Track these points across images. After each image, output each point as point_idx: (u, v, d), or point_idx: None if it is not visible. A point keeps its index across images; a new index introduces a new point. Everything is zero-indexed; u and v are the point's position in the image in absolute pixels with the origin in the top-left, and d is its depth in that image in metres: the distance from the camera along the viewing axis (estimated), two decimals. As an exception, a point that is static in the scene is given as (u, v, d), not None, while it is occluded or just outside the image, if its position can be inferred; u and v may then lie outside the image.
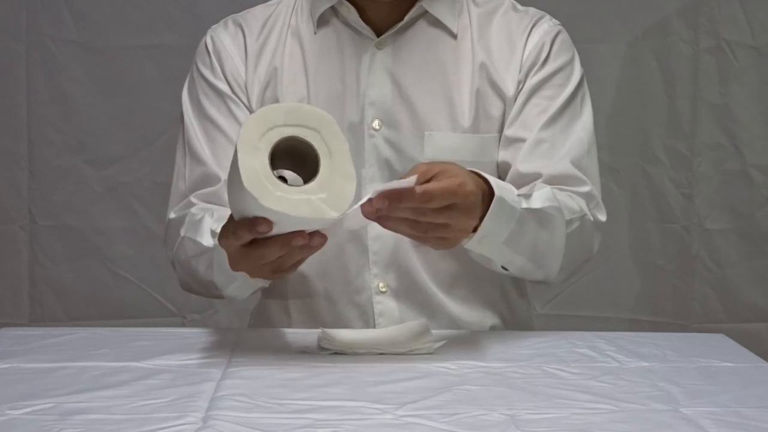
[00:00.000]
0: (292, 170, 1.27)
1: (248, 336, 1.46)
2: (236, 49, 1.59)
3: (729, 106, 2.69)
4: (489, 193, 1.33)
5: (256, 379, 1.21)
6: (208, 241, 1.40)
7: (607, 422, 1.08)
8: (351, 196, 1.23)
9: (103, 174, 2.70)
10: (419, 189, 1.23)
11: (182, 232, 1.46)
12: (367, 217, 1.24)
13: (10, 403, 1.11)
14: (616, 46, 2.69)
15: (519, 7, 1.62)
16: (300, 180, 1.25)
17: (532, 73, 1.56)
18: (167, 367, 1.27)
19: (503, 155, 1.55)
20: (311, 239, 1.25)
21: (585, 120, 1.58)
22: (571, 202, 1.47)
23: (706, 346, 1.42)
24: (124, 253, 2.72)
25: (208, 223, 1.42)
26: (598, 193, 1.55)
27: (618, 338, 1.44)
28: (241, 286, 1.41)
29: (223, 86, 1.58)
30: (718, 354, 1.37)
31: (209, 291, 1.47)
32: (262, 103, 1.57)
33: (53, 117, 2.69)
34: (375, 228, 1.54)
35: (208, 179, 1.54)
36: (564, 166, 1.52)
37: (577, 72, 1.59)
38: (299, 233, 1.24)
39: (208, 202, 1.52)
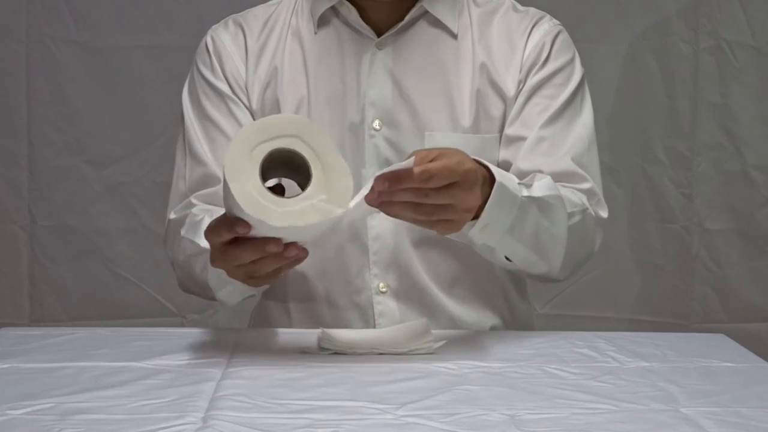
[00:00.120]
0: (288, 177, 1.28)
1: (248, 336, 1.46)
2: (236, 50, 1.59)
3: (729, 106, 2.69)
4: (489, 180, 1.33)
5: (256, 379, 1.21)
6: (205, 242, 1.39)
7: (607, 422, 1.08)
8: (350, 188, 1.24)
9: (103, 174, 2.70)
10: (418, 168, 1.22)
11: (182, 233, 1.46)
12: (370, 205, 1.24)
13: (10, 403, 1.11)
14: (616, 46, 2.70)
15: (519, 7, 1.62)
16: (296, 187, 1.25)
17: (533, 72, 1.56)
18: (167, 367, 1.27)
19: (504, 154, 1.55)
20: (286, 249, 1.24)
21: (585, 119, 1.58)
22: (573, 196, 1.48)
23: (706, 346, 1.42)
24: (124, 253, 2.72)
25: (206, 225, 1.41)
26: (599, 190, 1.55)
27: (618, 338, 1.44)
28: (233, 291, 1.41)
29: (224, 86, 1.58)
30: (718, 354, 1.37)
31: (205, 292, 1.47)
32: (262, 102, 1.57)
33: (53, 117, 2.69)
34: (375, 228, 1.55)
35: (208, 180, 1.54)
36: (565, 164, 1.52)
37: (577, 72, 1.59)
38: (274, 240, 1.23)
39: (208, 203, 1.52)
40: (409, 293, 1.57)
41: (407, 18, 1.56)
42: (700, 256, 2.72)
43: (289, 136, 1.23)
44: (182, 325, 2.62)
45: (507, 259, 1.43)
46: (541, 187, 1.41)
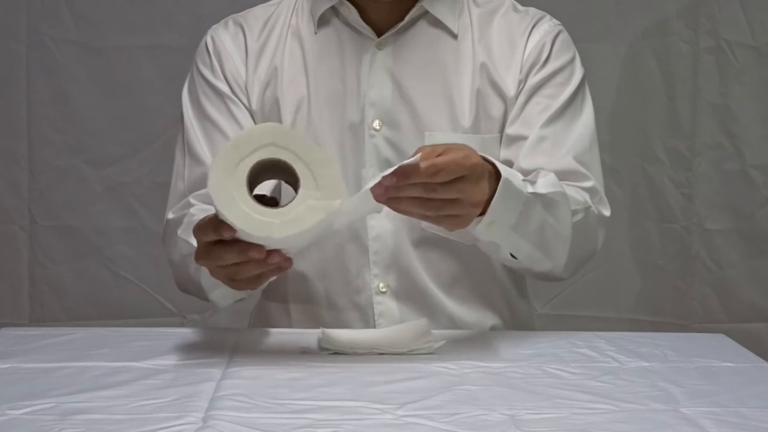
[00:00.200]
0: (280, 179, 1.28)
1: (248, 336, 1.46)
2: (236, 49, 1.59)
3: (729, 106, 2.69)
4: (495, 176, 1.33)
5: (256, 379, 1.21)
6: None
7: (607, 422, 1.08)
8: (338, 175, 1.23)
9: (103, 174, 2.70)
10: (426, 163, 1.22)
11: (178, 232, 1.46)
12: (378, 200, 1.24)
13: (10, 403, 1.11)
14: (616, 46, 2.69)
15: (519, 7, 1.62)
16: (291, 190, 1.25)
17: (533, 72, 1.56)
18: (167, 367, 1.27)
19: (505, 154, 1.55)
20: (269, 256, 1.24)
21: (586, 118, 1.58)
22: (576, 194, 1.47)
23: (706, 346, 1.42)
24: (124, 253, 2.72)
25: None
26: (601, 189, 1.55)
27: (618, 338, 1.44)
28: (224, 293, 1.40)
29: (223, 86, 1.58)
30: (718, 354, 1.37)
31: (200, 293, 1.47)
32: (262, 102, 1.57)
33: (53, 117, 2.69)
34: (375, 228, 1.55)
35: (204, 178, 1.54)
36: (567, 162, 1.52)
37: (578, 71, 1.59)
38: (257, 246, 1.23)
39: (206, 203, 1.52)
40: (409, 293, 1.57)
41: (407, 18, 1.56)
42: (700, 256, 2.72)
43: (265, 146, 1.23)
44: (182, 325, 2.62)
45: (512, 256, 1.43)
46: (545, 184, 1.41)
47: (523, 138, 1.53)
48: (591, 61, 1.66)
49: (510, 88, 1.56)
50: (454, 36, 1.57)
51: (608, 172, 1.57)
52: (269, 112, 1.57)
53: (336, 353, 1.33)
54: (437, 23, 1.57)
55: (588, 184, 1.52)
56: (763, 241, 2.71)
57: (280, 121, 1.56)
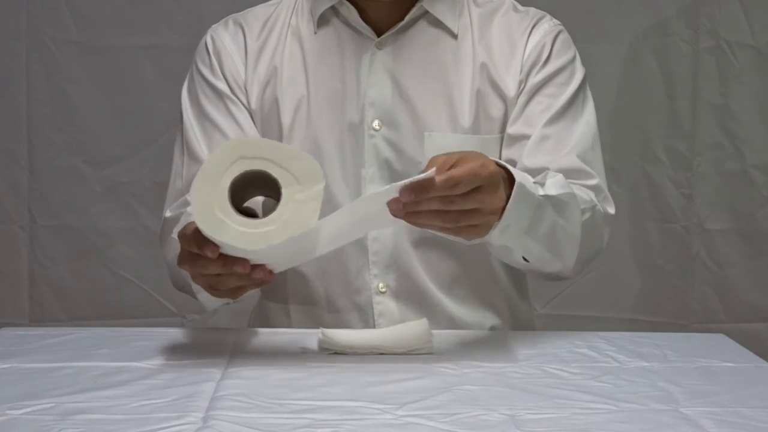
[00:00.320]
0: (262, 194, 1.28)
1: (248, 336, 1.46)
2: (236, 49, 1.59)
3: (729, 106, 2.69)
4: (507, 180, 1.32)
5: (256, 379, 1.21)
6: None
7: (607, 422, 1.08)
8: (312, 162, 1.23)
9: (103, 174, 2.70)
10: (444, 176, 1.21)
11: (173, 232, 1.45)
12: (395, 215, 1.23)
13: (10, 403, 1.11)
14: (616, 46, 2.70)
15: (519, 7, 1.61)
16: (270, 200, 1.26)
17: (534, 72, 1.56)
18: (167, 367, 1.27)
19: (507, 153, 1.55)
20: (253, 271, 1.24)
21: (588, 117, 1.58)
22: (582, 193, 1.47)
23: (706, 346, 1.42)
24: (124, 253, 2.72)
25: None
26: (605, 187, 1.54)
27: (618, 338, 1.44)
28: (209, 296, 1.40)
29: (222, 86, 1.57)
30: (718, 354, 1.37)
31: (191, 292, 1.47)
32: (261, 102, 1.57)
33: (53, 117, 2.69)
34: (375, 228, 1.55)
35: None
36: (570, 160, 1.52)
37: (579, 70, 1.59)
38: (241, 261, 1.23)
39: None
40: (409, 293, 1.57)
41: (407, 18, 1.55)
42: (700, 256, 2.72)
43: (234, 162, 1.22)
44: (182, 325, 2.62)
45: (524, 259, 1.43)
46: (555, 185, 1.40)
47: (526, 137, 1.53)
48: (591, 61, 1.66)
49: (510, 88, 1.56)
50: (454, 36, 1.57)
51: (608, 172, 1.57)
52: (269, 111, 1.57)
53: (336, 353, 1.33)
54: (437, 23, 1.57)
55: (592, 182, 1.52)
56: (763, 241, 2.71)
57: (279, 120, 1.56)
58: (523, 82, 1.56)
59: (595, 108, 1.60)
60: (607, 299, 2.74)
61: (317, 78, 1.56)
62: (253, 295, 1.49)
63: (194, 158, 1.56)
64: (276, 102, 1.56)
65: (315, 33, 1.58)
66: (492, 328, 1.59)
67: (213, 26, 1.62)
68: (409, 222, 1.24)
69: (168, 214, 1.54)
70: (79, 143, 2.69)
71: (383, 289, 1.56)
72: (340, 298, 1.56)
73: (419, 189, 1.20)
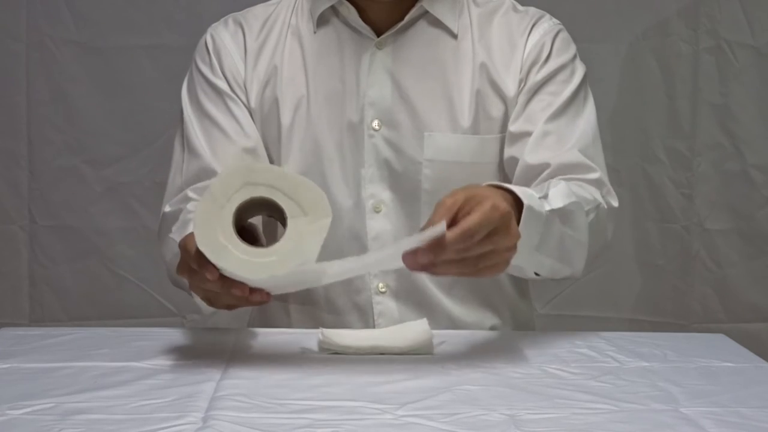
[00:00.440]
0: (265, 214, 1.28)
1: (248, 336, 1.46)
2: (236, 48, 1.59)
3: (729, 106, 2.69)
4: (514, 202, 1.30)
5: (256, 379, 1.21)
6: None
7: (607, 422, 1.08)
8: (321, 194, 1.22)
9: (103, 174, 2.70)
10: (457, 230, 1.19)
11: (172, 231, 1.45)
12: (412, 269, 1.22)
13: (10, 403, 1.11)
14: (616, 46, 2.70)
15: (519, 7, 1.61)
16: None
17: (534, 71, 1.56)
18: (167, 367, 1.27)
19: (510, 151, 1.55)
20: (252, 295, 1.24)
21: (588, 113, 1.57)
22: (585, 193, 1.46)
23: (706, 346, 1.42)
24: (124, 253, 2.72)
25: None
26: (607, 180, 1.54)
27: (618, 338, 1.43)
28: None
29: (222, 84, 1.57)
30: (718, 354, 1.37)
31: (189, 293, 1.47)
32: (261, 101, 1.57)
33: (53, 117, 2.69)
34: (374, 228, 1.55)
35: (204, 173, 1.54)
36: (572, 155, 1.51)
37: (579, 68, 1.59)
38: (240, 284, 1.23)
39: None
40: (409, 293, 1.57)
41: (407, 18, 1.55)
42: (700, 256, 2.72)
43: (240, 188, 1.22)
44: (182, 325, 2.62)
45: (535, 273, 1.42)
46: (559, 196, 1.38)
47: (528, 134, 1.53)
48: (591, 61, 1.66)
49: (510, 88, 1.56)
50: (454, 36, 1.57)
51: (609, 172, 1.57)
52: (268, 110, 1.57)
53: (336, 353, 1.33)
54: (437, 23, 1.57)
55: (594, 175, 1.51)
56: (763, 241, 2.71)
57: (279, 120, 1.56)
58: (523, 81, 1.56)
59: (595, 107, 1.60)
60: (607, 299, 2.74)
61: (317, 78, 1.56)
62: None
63: (194, 153, 1.56)
64: (276, 101, 1.56)
65: (314, 33, 1.58)
66: (492, 328, 1.59)
67: (213, 25, 1.63)
68: (427, 273, 1.24)
69: (167, 209, 1.54)
70: (79, 143, 2.69)
71: (383, 289, 1.56)
72: (340, 298, 1.56)
73: (438, 248, 1.19)
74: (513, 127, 1.55)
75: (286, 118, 1.56)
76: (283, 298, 1.59)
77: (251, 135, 1.56)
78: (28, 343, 1.37)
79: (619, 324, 2.70)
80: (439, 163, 1.54)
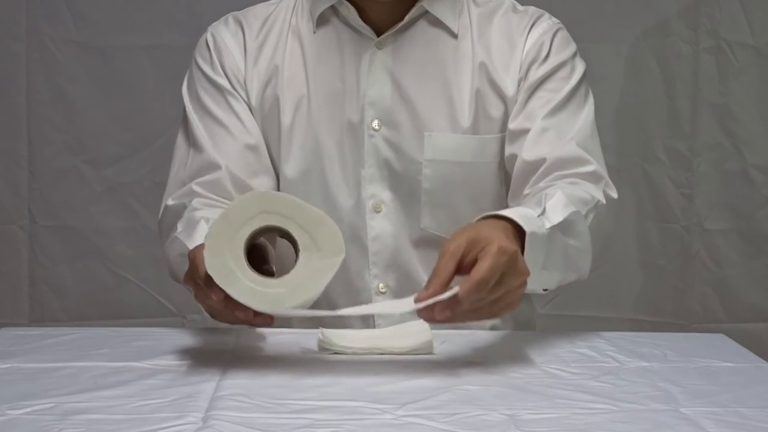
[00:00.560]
0: (276, 235, 1.28)
1: (248, 336, 1.46)
2: (236, 46, 1.59)
3: (729, 106, 2.69)
4: (514, 230, 1.30)
5: (256, 379, 1.21)
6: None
7: (607, 422, 1.08)
8: (336, 231, 1.22)
9: (103, 174, 2.71)
10: (468, 286, 1.20)
11: (178, 229, 1.45)
12: (428, 321, 1.24)
13: (10, 403, 1.11)
14: (616, 47, 2.70)
15: (519, 7, 1.61)
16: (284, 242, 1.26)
17: (534, 69, 1.55)
18: (167, 367, 1.27)
19: (510, 149, 1.54)
20: (255, 319, 1.24)
21: (587, 111, 1.57)
22: (582, 193, 1.45)
23: (706, 346, 1.42)
24: (124, 253, 2.72)
25: (202, 230, 1.39)
26: (604, 172, 1.53)
27: (618, 338, 1.43)
28: None
29: (223, 81, 1.57)
30: (718, 354, 1.37)
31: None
32: (262, 100, 1.57)
33: (53, 117, 2.69)
34: (375, 228, 1.55)
35: (208, 167, 1.53)
36: (570, 148, 1.50)
37: (579, 66, 1.59)
38: (245, 308, 1.23)
39: (209, 191, 1.51)
40: (409, 293, 1.56)
41: (407, 18, 1.55)
42: (700, 256, 2.72)
43: (256, 215, 1.22)
44: (182, 325, 2.62)
45: (543, 289, 1.41)
46: (556, 208, 1.37)
47: (527, 131, 1.52)
48: (591, 61, 1.66)
49: (509, 88, 1.56)
50: (454, 36, 1.57)
51: (609, 172, 1.56)
52: (269, 109, 1.57)
53: (336, 353, 1.33)
54: (437, 23, 1.57)
55: (589, 168, 1.50)
56: (763, 241, 2.72)
57: (279, 119, 1.56)
58: (522, 80, 1.56)
59: (595, 108, 1.60)
60: (607, 299, 2.74)
61: (317, 77, 1.56)
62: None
63: (198, 149, 1.55)
64: (277, 101, 1.56)
65: (314, 33, 1.58)
66: (492, 328, 1.59)
67: (213, 24, 1.62)
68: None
69: (170, 202, 1.54)
70: (79, 143, 2.69)
71: (383, 290, 1.57)
72: (340, 298, 1.56)
73: (454, 305, 1.20)
74: (512, 125, 1.55)
75: (286, 118, 1.56)
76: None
77: (253, 132, 1.56)
78: (28, 343, 1.37)
79: (619, 324, 2.70)
80: (440, 163, 1.55)
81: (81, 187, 2.70)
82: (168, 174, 1.60)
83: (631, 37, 2.70)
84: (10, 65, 2.67)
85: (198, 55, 1.61)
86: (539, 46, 1.57)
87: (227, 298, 1.22)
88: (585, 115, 1.56)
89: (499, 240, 1.23)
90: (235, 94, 1.57)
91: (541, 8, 1.62)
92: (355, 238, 1.55)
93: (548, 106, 1.53)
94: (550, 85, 1.55)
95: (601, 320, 2.70)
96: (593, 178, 1.50)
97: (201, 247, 1.25)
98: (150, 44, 2.67)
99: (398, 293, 1.56)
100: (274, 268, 1.31)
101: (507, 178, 1.56)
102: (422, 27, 1.57)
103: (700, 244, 2.72)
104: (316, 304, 1.57)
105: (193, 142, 1.56)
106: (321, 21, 1.57)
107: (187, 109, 1.59)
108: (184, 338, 1.42)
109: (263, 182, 1.54)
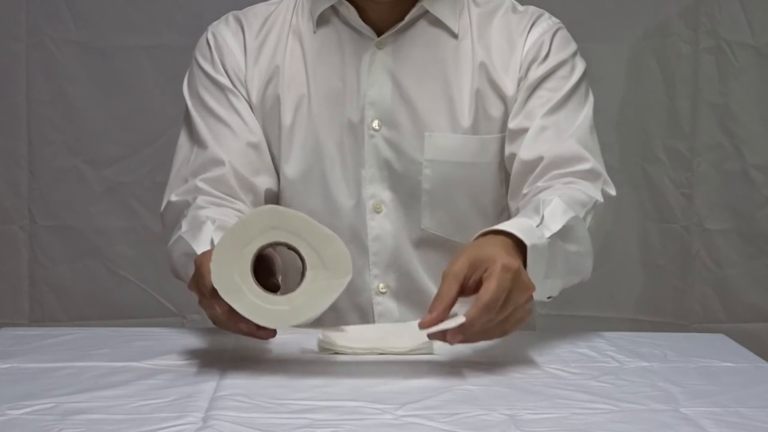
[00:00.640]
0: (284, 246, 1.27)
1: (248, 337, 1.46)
2: (237, 45, 1.59)
3: (729, 106, 2.69)
4: (513, 242, 1.30)
5: (256, 379, 1.21)
6: (201, 249, 1.36)
7: (607, 422, 1.08)
8: (345, 252, 1.22)
9: (103, 174, 2.71)
10: (479, 308, 1.21)
11: (183, 227, 1.44)
12: (442, 340, 1.24)
13: (10, 403, 1.11)
14: (616, 47, 2.70)
15: (519, 7, 1.61)
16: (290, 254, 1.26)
17: (533, 68, 1.55)
18: (167, 367, 1.27)
19: (510, 149, 1.54)
20: (258, 332, 1.25)
21: (587, 110, 1.57)
22: (579, 194, 1.45)
23: (706, 346, 1.42)
24: (124, 253, 2.72)
25: (208, 231, 1.39)
26: (602, 169, 1.52)
27: (618, 338, 1.43)
28: None
29: (224, 80, 1.57)
30: (718, 354, 1.37)
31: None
32: (263, 99, 1.57)
33: (53, 117, 2.69)
34: (375, 228, 1.55)
35: (212, 163, 1.53)
36: (567, 146, 1.50)
37: (579, 65, 1.58)
38: (248, 322, 1.23)
39: (214, 188, 1.50)
40: (409, 294, 1.57)
41: (407, 18, 1.55)
42: (700, 256, 2.72)
43: (266, 231, 1.21)
44: (182, 325, 2.62)
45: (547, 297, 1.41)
46: (555, 215, 1.37)
47: (526, 130, 1.53)
48: (591, 61, 1.66)
49: (509, 88, 1.55)
50: (455, 36, 1.57)
51: (609, 172, 1.56)
52: (270, 109, 1.57)
53: (336, 353, 1.33)
54: (437, 23, 1.57)
55: (587, 165, 1.50)
56: (763, 241, 2.72)
57: (280, 119, 1.56)
58: (522, 80, 1.55)
59: (595, 108, 1.59)
60: (607, 299, 2.74)
61: (317, 77, 1.56)
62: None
63: (202, 146, 1.55)
64: (278, 100, 1.56)
65: (314, 32, 1.58)
66: (492, 328, 1.58)
67: (213, 23, 1.62)
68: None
69: (174, 198, 1.53)
70: (79, 143, 2.69)
71: (383, 290, 1.57)
72: (340, 298, 1.55)
73: (466, 329, 1.22)
74: (512, 125, 1.55)
75: (287, 118, 1.56)
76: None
77: (255, 130, 1.56)
78: (28, 343, 1.37)
79: (619, 324, 2.70)
80: (440, 163, 1.54)
81: (81, 187, 2.70)
82: (169, 172, 1.59)
83: (631, 37, 2.70)
84: (10, 65, 2.67)
85: (198, 53, 1.61)
86: (539, 45, 1.56)
87: (231, 310, 1.22)
88: (584, 113, 1.56)
89: (501, 258, 1.24)
90: (237, 92, 1.57)
91: (541, 8, 1.62)
92: (355, 238, 1.55)
93: (548, 105, 1.53)
94: (549, 84, 1.55)
95: (601, 320, 2.70)
96: (591, 176, 1.50)
97: (208, 254, 1.25)
98: (150, 44, 2.67)
99: (398, 293, 1.56)
100: (280, 278, 1.31)
101: (507, 178, 1.56)
102: (422, 27, 1.57)
103: (700, 244, 2.72)
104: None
105: (196, 140, 1.56)
106: (321, 21, 1.57)
107: (188, 107, 1.59)
108: (184, 338, 1.42)
109: (265, 181, 1.54)
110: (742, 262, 2.72)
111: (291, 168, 1.56)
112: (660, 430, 1.07)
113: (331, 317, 1.56)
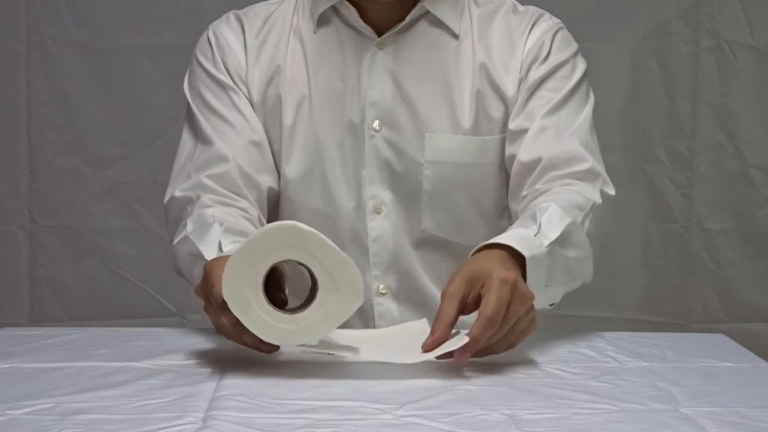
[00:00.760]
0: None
1: (248, 336, 1.46)
2: (237, 43, 1.58)
3: (729, 106, 2.69)
4: (510, 254, 1.30)
5: (256, 379, 1.21)
6: (209, 253, 1.36)
7: (607, 422, 1.08)
8: (358, 277, 1.22)
9: (103, 174, 2.70)
10: (481, 324, 1.21)
11: (189, 227, 1.44)
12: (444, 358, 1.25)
13: (10, 403, 1.11)
14: (616, 47, 2.70)
15: (520, 7, 1.61)
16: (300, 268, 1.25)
17: (534, 69, 1.55)
18: (167, 367, 1.27)
19: (510, 149, 1.54)
20: (261, 346, 1.24)
21: (587, 110, 1.57)
22: (577, 197, 1.45)
23: (706, 346, 1.42)
24: (124, 253, 2.72)
25: (216, 233, 1.39)
26: (601, 169, 1.52)
27: (618, 338, 1.44)
28: None
29: (225, 78, 1.57)
30: (718, 354, 1.37)
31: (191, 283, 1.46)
32: (264, 98, 1.56)
33: (53, 117, 2.69)
34: (375, 229, 1.55)
35: (216, 159, 1.52)
36: (567, 145, 1.50)
37: (580, 65, 1.58)
38: (253, 336, 1.22)
39: (219, 184, 1.50)
40: (409, 295, 1.57)
41: (408, 18, 1.55)
42: (700, 256, 2.72)
43: (281, 248, 1.21)
44: (182, 325, 2.62)
45: (550, 304, 1.41)
46: (553, 222, 1.37)
47: (526, 131, 1.52)
48: (591, 61, 1.65)
49: (510, 88, 1.55)
50: (456, 36, 1.57)
51: (609, 172, 1.56)
52: (271, 108, 1.56)
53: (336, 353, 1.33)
54: (438, 23, 1.57)
55: (585, 165, 1.50)
56: (763, 241, 2.72)
57: (281, 118, 1.55)
58: (523, 80, 1.55)
59: (596, 108, 1.59)
60: (607, 299, 2.74)
61: (318, 77, 1.56)
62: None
63: (207, 143, 1.54)
64: (279, 100, 1.56)
65: (315, 33, 1.57)
66: (492, 328, 1.58)
67: (214, 22, 1.62)
68: None
69: (178, 193, 1.52)
70: (79, 143, 2.69)
71: (383, 291, 1.56)
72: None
73: (471, 348, 1.22)
74: (512, 125, 1.55)
75: (288, 118, 1.56)
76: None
77: (256, 129, 1.55)
78: (28, 343, 1.37)
79: (619, 324, 2.70)
80: (440, 164, 1.54)
81: (81, 187, 2.70)
82: (171, 170, 1.59)
83: (632, 37, 2.70)
84: (10, 65, 2.67)
85: (199, 52, 1.60)
86: (539, 46, 1.56)
87: (238, 323, 1.22)
88: (584, 113, 1.56)
89: (497, 272, 1.24)
90: (238, 90, 1.57)
91: (541, 8, 1.62)
92: (356, 238, 1.55)
93: (548, 105, 1.53)
94: (550, 84, 1.55)
95: (601, 320, 2.70)
96: (590, 176, 1.50)
97: (219, 262, 1.25)
98: (150, 44, 2.67)
99: (398, 294, 1.56)
100: (287, 291, 1.30)
101: (508, 179, 1.56)
102: (423, 27, 1.57)
103: (700, 244, 2.72)
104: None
105: (200, 137, 1.56)
106: (322, 21, 1.57)
107: (190, 106, 1.59)
108: (184, 338, 1.42)
109: (267, 179, 1.54)
110: (742, 262, 2.72)
111: (291, 168, 1.56)
112: (660, 430, 1.07)
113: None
